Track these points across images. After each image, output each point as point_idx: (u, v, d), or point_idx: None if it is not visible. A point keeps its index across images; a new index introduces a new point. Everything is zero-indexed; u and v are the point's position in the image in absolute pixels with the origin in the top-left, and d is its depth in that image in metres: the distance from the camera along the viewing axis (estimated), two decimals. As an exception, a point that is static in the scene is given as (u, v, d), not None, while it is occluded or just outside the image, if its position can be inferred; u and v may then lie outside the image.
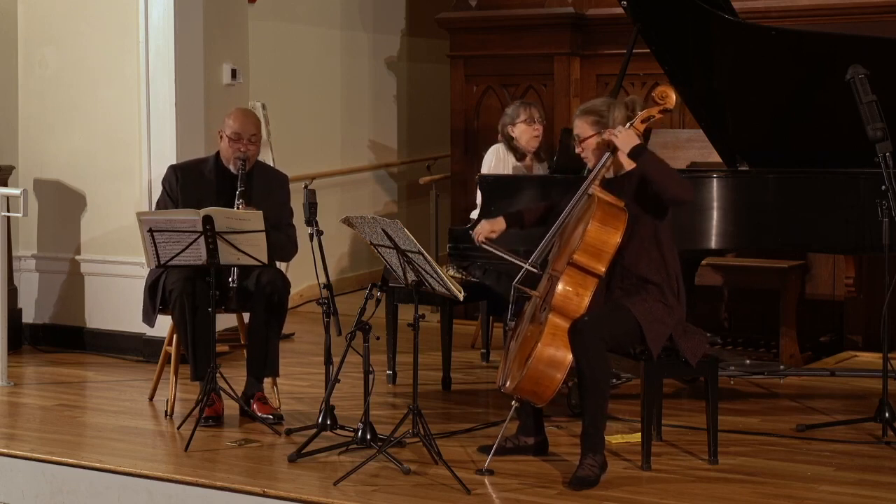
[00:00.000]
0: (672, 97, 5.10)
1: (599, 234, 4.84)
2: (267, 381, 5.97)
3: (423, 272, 5.07)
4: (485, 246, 5.30)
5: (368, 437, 5.14)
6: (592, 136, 5.06)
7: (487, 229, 5.32)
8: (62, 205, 7.61)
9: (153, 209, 6.18)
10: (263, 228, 5.53)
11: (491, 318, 7.16)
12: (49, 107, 7.63)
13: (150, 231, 5.51)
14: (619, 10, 6.25)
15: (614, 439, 5.35)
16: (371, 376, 5.11)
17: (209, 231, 5.47)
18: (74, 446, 5.48)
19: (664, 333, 4.93)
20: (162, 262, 5.59)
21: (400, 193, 10.40)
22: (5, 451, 5.41)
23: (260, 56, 8.31)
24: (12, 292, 7.38)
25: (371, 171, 10.15)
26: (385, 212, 10.09)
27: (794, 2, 7.76)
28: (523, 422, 5.22)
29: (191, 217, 5.49)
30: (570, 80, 8.53)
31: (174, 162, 6.99)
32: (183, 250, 5.54)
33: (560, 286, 4.84)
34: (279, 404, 5.98)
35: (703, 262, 6.88)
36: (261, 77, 8.31)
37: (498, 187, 6.11)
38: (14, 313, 7.43)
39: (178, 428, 5.67)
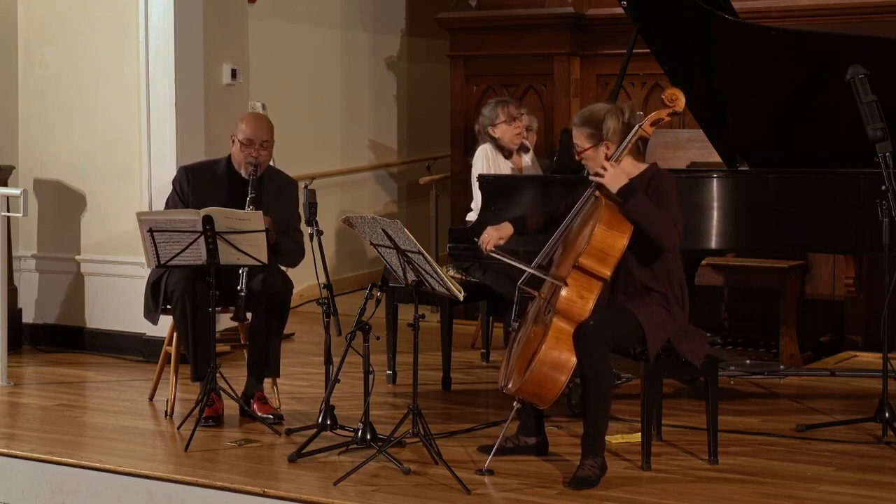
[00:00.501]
0: (681, 100, 5.02)
1: (606, 238, 4.82)
2: (267, 381, 5.97)
3: (423, 272, 5.07)
4: (493, 255, 5.16)
5: (368, 437, 5.14)
6: (589, 148, 5.00)
7: (496, 237, 5.19)
8: (62, 205, 7.61)
9: (162, 208, 6.16)
10: (263, 228, 5.53)
11: (491, 318, 7.17)
12: (49, 107, 7.63)
13: (150, 231, 5.51)
14: (619, 10, 6.25)
15: (614, 439, 5.35)
16: (371, 376, 5.11)
17: (209, 231, 5.47)
18: (74, 446, 5.48)
19: (663, 338, 4.93)
20: (162, 262, 5.59)
21: (400, 193, 10.40)
22: (5, 451, 5.41)
23: (260, 56, 8.31)
24: (12, 292, 7.38)
25: (371, 171, 10.15)
26: (385, 212, 10.09)
27: (794, 2, 7.77)
28: (524, 422, 5.22)
29: (191, 217, 5.49)
30: (570, 80, 8.53)
31: (174, 162, 7.02)
32: (183, 250, 5.53)
33: (565, 289, 4.83)
34: (279, 404, 5.98)
35: (703, 262, 6.88)
36: (261, 77, 8.31)
37: (498, 187, 6.11)
38: (14, 313, 7.43)
39: (178, 428, 5.67)
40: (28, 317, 7.75)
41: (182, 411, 5.87)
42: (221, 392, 5.74)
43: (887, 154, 5.27)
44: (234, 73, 7.62)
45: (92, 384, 6.86)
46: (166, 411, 5.97)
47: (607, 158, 4.95)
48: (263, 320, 5.83)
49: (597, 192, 5.00)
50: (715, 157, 6.38)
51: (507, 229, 5.22)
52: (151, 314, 5.98)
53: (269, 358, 5.87)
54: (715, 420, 5.09)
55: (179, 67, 7.21)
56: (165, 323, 6.09)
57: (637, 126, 4.97)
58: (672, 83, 6.07)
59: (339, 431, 5.31)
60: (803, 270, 7.29)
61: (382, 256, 5.30)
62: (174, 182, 6.08)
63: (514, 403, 5.01)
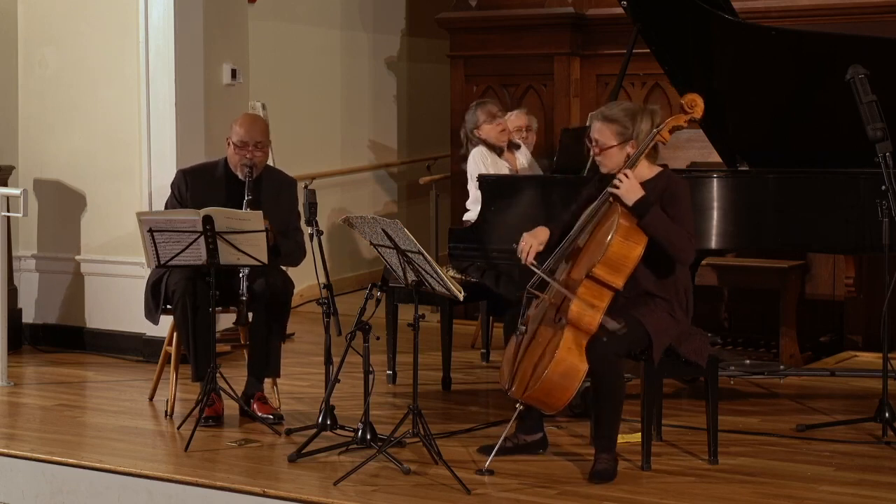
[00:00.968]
0: (701, 106, 4.95)
1: (621, 249, 4.79)
2: (267, 381, 5.97)
3: (423, 272, 5.07)
4: (532, 267, 4.93)
5: (368, 437, 5.14)
6: (615, 146, 4.94)
7: (535, 245, 4.99)
8: (62, 205, 7.61)
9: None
10: (263, 228, 5.53)
11: (491, 318, 7.16)
12: (49, 107, 7.63)
13: (150, 231, 5.51)
14: (619, 10, 6.25)
15: (614, 439, 5.35)
16: (371, 376, 5.11)
17: (209, 231, 5.47)
18: (74, 446, 5.48)
19: (667, 343, 4.94)
20: (162, 262, 5.59)
21: (400, 193, 10.40)
22: (5, 451, 5.41)
23: (260, 56, 8.31)
24: (12, 292, 7.38)
25: (371, 171, 10.15)
26: (385, 212, 10.09)
27: (794, 2, 7.77)
28: (523, 420, 5.21)
29: (191, 217, 5.49)
30: (570, 80, 8.53)
31: (174, 162, 7.02)
32: (183, 250, 5.53)
33: (576, 299, 4.79)
34: (279, 404, 5.98)
35: (703, 262, 6.87)
36: (261, 77, 8.31)
37: (498, 187, 6.10)
38: (14, 313, 7.43)
39: (178, 428, 5.67)
40: (28, 317, 7.75)
41: (182, 411, 5.87)
42: (221, 392, 5.74)
43: (887, 154, 5.27)
44: (234, 73, 7.62)
45: (92, 384, 6.86)
46: (166, 411, 5.97)
47: (626, 159, 4.93)
48: (264, 320, 5.83)
49: (611, 199, 4.94)
50: (715, 157, 6.38)
51: (543, 235, 5.05)
52: (152, 314, 5.98)
53: (270, 358, 5.87)
54: (715, 420, 5.09)
55: (179, 67, 7.21)
56: (165, 323, 6.09)
57: (655, 131, 4.94)
58: (672, 83, 6.07)
59: (339, 431, 5.31)
60: (803, 270, 7.29)
61: (382, 256, 5.30)
62: (172, 186, 6.08)
63: (517, 406, 5.00)
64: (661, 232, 4.82)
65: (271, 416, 5.76)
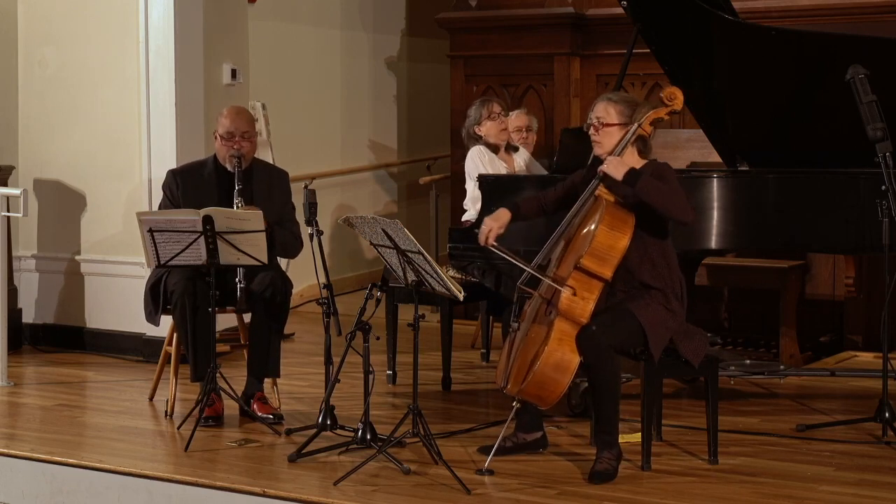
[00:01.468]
0: (680, 98, 5.04)
1: (607, 239, 4.83)
2: (267, 381, 5.97)
3: (423, 272, 5.07)
4: (492, 248, 5.12)
5: (368, 437, 5.14)
6: (616, 125, 5.01)
7: (495, 227, 5.12)
8: (62, 205, 7.61)
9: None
10: (264, 228, 5.53)
11: (491, 318, 7.16)
12: (49, 107, 7.63)
13: (150, 231, 5.51)
14: (619, 10, 6.25)
15: (614, 439, 5.35)
16: (371, 376, 5.11)
17: (209, 231, 5.47)
18: (74, 446, 5.48)
19: (666, 337, 4.94)
20: (162, 262, 5.59)
21: (400, 193, 10.40)
22: (5, 451, 5.41)
23: (260, 56, 8.32)
24: (12, 292, 7.38)
25: (371, 171, 10.15)
26: (385, 212, 10.09)
27: (794, 2, 7.77)
28: (522, 419, 5.22)
29: (191, 217, 5.49)
30: (570, 80, 8.53)
31: (174, 162, 7.01)
32: (183, 250, 5.53)
33: (566, 291, 4.83)
34: (279, 404, 5.98)
35: (703, 262, 6.88)
36: (261, 77, 8.31)
37: (498, 187, 6.11)
38: (14, 313, 7.43)
39: (178, 428, 5.67)
40: (28, 317, 7.75)
41: (182, 411, 5.87)
42: (221, 392, 5.74)
43: (887, 154, 5.27)
44: (234, 73, 7.63)
45: (92, 384, 6.86)
46: (166, 411, 5.97)
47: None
48: (263, 320, 5.83)
49: (597, 193, 4.98)
50: (715, 157, 6.38)
51: (504, 216, 5.15)
52: (152, 316, 5.98)
53: (269, 358, 5.87)
54: (715, 420, 5.09)
55: (179, 67, 7.21)
56: (165, 323, 6.09)
57: (637, 124, 4.99)
58: (672, 83, 6.06)
59: (339, 431, 5.31)
60: (803, 270, 7.29)
61: (382, 256, 5.30)
62: (163, 187, 6.09)
63: (514, 403, 5.01)
64: (657, 194, 4.82)
65: (271, 416, 5.76)
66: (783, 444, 5.41)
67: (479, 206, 6.47)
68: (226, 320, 6.83)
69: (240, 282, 5.75)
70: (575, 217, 5.05)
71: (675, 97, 5.05)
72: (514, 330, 5.10)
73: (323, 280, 5.36)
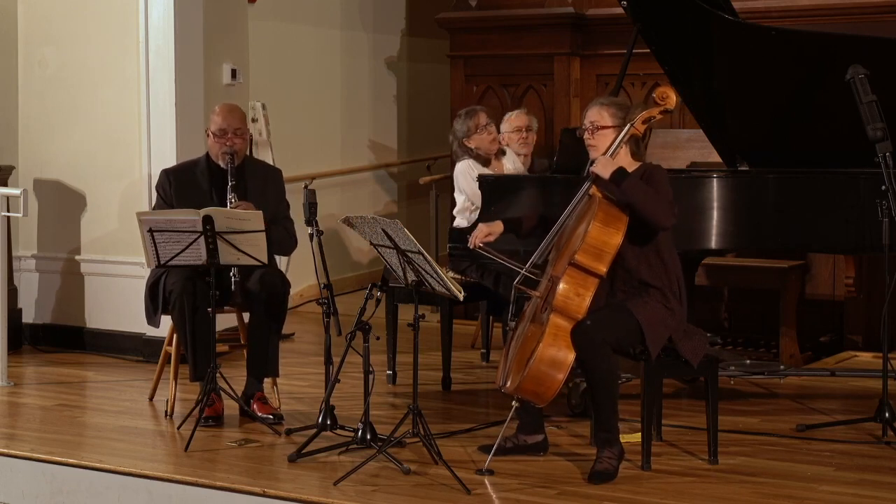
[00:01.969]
0: (672, 98, 5.10)
1: (601, 235, 4.85)
2: (267, 381, 5.97)
3: (423, 272, 5.07)
4: (480, 250, 5.26)
5: (368, 437, 5.14)
6: (610, 127, 5.05)
7: (485, 232, 5.29)
8: (62, 205, 7.61)
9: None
10: (263, 228, 5.53)
11: (491, 317, 7.16)
12: (49, 107, 7.63)
13: (150, 231, 5.51)
14: (619, 10, 6.25)
15: (614, 439, 5.35)
16: (371, 376, 5.11)
17: (209, 231, 5.47)
18: (74, 446, 5.48)
19: (664, 336, 4.95)
20: (162, 262, 5.59)
21: (400, 193, 10.40)
22: (5, 451, 5.41)
23: (260, 56, 8.31)
24: (12, 292, 7.38)
25: (371, 171, 10.15)
26: (385, 212, 10.09)
27: (794, 2, 7.77)
28: (523, 421, 5.22)
29: (191, 217, 5.49)
30: (570, 80, 8.53)
31: (174, 162, 7.00)
32: (183, 250, 5.54)
33: (561, 287, 4.85)
34: (279, 404, 5.98)
35: (703, 262, 6.88)
36: (261, 77, 8.31)
37: (498, 188, 6.11)
38: (14, 313, 7.43)
39: (178, 428, 5.67)
40: (28, 317, 7.75)
41: (182, 411, 5.87)
42: (221, 392, 5.74)
43: (887, 154, 5.27)
44: (234, 73, 7.63)
45: (92, 384, 6.86)
46: (166, 411, 5.97)
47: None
48: (261, 320, 5.83)
49: (591, 191, 5.01)
50: (715, 157, 6.38)
51: (497, 226, 5.30)
52: (152, 317, 5.98)
53: (269, 357, 5.87)
54: (715, 420, 5.09)
55: (179, 67, 7.21)
56: (165, 323, 6.08)
57: (630, 124, 5.01)
58: (672, 83, 6.07)
59: (339, 431, 5.31)
60: (803, 270, 7.29)
61: (382, 256, 5.30)
62: (157, 187, 6.11)
63: (513, 403, 5.02)
64: (639, 196, 4.85)
65: (271, 416, 5.76)
66: (783, 444, 5.41)
67: (468, 216, 6.51)
68: (225, 320, 6.83)
69: (234, 276, 5.76)
70: (569, 217, 5.08)
71: (668, 96, 5.09)
72: (511, 329, 5.14)
73: (323, 280, 5.36)
